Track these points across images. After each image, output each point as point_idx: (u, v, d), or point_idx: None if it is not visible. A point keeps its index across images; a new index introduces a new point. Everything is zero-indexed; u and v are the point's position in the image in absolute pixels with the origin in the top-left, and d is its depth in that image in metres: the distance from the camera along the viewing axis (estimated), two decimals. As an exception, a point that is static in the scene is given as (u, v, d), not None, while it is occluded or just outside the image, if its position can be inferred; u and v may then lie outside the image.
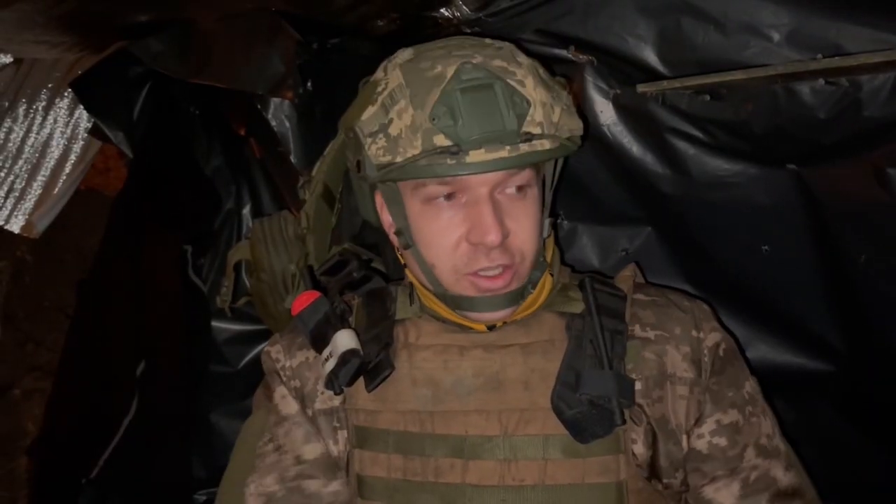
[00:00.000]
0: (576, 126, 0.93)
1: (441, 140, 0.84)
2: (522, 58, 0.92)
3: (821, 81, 1.12)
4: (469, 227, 0.88)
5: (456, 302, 0.94)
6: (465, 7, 1.32)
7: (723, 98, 1.20)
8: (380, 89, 0.91)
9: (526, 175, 0.90)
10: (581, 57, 1.27)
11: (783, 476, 0.94)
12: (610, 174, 1.33)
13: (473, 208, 0.88)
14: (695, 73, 1.19)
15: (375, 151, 0.89)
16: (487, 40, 0.94)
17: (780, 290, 1.27)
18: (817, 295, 1.25)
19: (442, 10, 1.34)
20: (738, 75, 1.13)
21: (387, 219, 0.99)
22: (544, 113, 0.87)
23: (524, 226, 0.91)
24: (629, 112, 1.27)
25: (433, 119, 0.85)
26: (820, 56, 1.09)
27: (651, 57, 1.23)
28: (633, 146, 1.29)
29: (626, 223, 1.36)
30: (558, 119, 0.89)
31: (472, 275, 0.90)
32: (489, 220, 0.86)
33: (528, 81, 0.88)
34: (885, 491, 1.28)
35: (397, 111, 0.87)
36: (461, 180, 0.87)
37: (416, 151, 0.85)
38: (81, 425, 1.94)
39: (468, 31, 1.33)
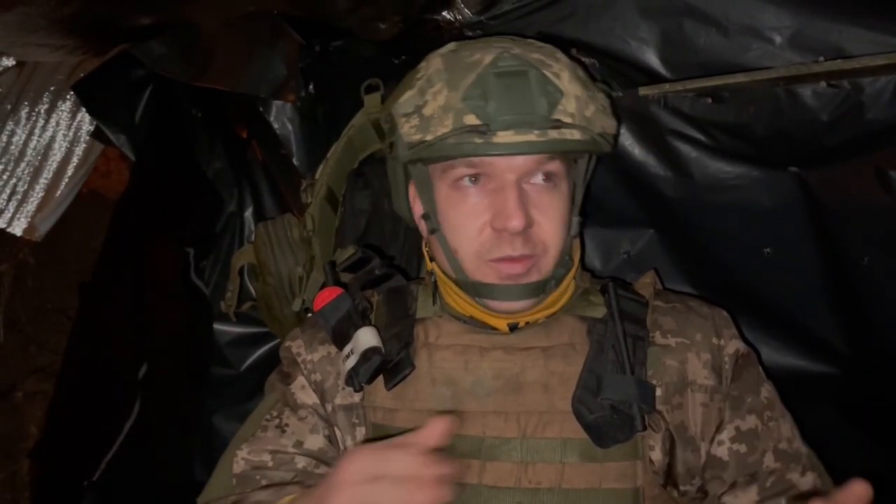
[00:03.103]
0: (609, 125, 0.94)
1: (471, 119, 0.86)
2: (562, 56, 0.93)
3: (823, 84, 1.12)
4: (494, 212, 0.89)
5: (476, 289, 0.93)
6: (466, 10, 1.32)
7: (725, 101, 1.20)
8: (419, 75, 0.93)
9: (555, 166, 0.90)
10: (583, 60, 1.27)
11: (800, 479, 0.92)
12: (612, 176, 1.33)
13: (499, 195, 0.88)
14: (697, 76, 1.19)
15: (408, 130, 0.90)
16: (530, 40, 0.96)
17: (783, 293, 1.27)
18: (820, 297, 1.25)
19: (444, 13, 1.34)
20: (739, 78, 1.13)
21: (418, 208, 1.00)
22: (577, 105, 0.88)
23: (550, 218, 0.91)
24: (631, 115, 1.27)
25: (465, 99, 0.86)
26: (822, 59, 1.09)
27: (653, 59, 1.23)
28: (634, 149, 1.29)
29: (628, 226, 1.36)
30: (591, 114, 0.90)
31: (494, 261, 0.90)
32: (513, 205, 0.87)
33: (563, 75, 0.89)
34: (888, 493, 1.28)
35: (433, 93, 0.89)
36: (488, 164, 0.88)
37: (447, 130, 0.87)
38: (83, 428, 1.94)
39: (470, 34, 1.33)
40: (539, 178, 0.90)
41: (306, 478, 0.94)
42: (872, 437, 1.28)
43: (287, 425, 0.98)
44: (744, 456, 0.93)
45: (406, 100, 0.92)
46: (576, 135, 0.87)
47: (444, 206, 0.93)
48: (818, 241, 1.22)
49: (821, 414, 1.31)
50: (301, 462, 0.95)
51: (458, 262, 0.93)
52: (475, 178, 0.90)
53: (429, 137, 0.88)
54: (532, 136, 0.85)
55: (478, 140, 0.85)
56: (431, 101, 0.89)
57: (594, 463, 0.89)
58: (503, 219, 0.87)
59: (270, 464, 0.95)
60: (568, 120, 0.87)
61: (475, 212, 0.90)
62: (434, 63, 0.93)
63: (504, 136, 0.85)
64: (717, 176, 1.25)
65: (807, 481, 0.93)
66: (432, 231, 0.96)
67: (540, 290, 0.93)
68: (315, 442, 0.97)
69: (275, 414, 0.99)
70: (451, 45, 0.95)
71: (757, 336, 1.29)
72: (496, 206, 0.89)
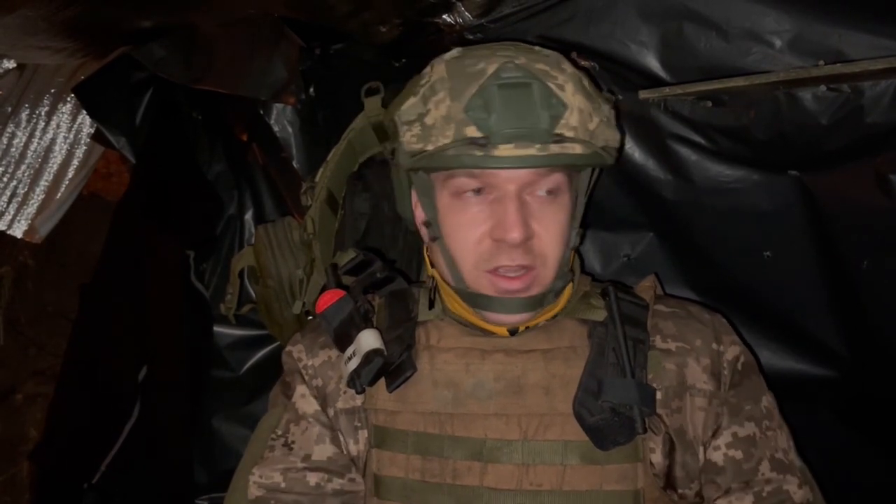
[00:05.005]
0: (612, 137, 0.94)
1: (472, 131, 0.86)
2: (567, 66, 0.92)
3: (823, 88, 1.12)
4: (494, 223, 0.89)
5: (474, 300, 0.94)
6: (467, 13, 1.32)
7: (725, 104, 1.20)
8: (423, 82, 0.93)
9: (556, 179, 0.90)
10: (583, 63, 1.27)
11: (797, 491, 0.92)
12: (612, 180, 1.33)
13: (500, 205, 0.89)
14: (697, 80, 1.19)
15: (409, 139, 0.91)
16: (537, 48, 0.95)
17: (783, 296, 1.27)
18: (819, 300, 1.25)
19: (444, 17, 1.33)
20: (739, 81, 1.13)
21: (420, 214, 1.00)
22: (580, 119, 0.88)
23: (550, 230, 0.91)
24: (631, 118, 1.27)
25: (467, 110, 0.86)
26: (822, 62, 1.09)
27: (653, 63, 1.23)
28: (635, 152, 1.29)
29: (629, 229, 1.37)
30: (595, 128, 0.90)
31: (492, 272, 0.91)
32: (513, 217, 0.87)
33: (567, 87, 0.88)
34: (887, 497, 1.28)
35: (435, 102, 0.89)
36: (490, 176, 0.88)
37: (448, 141, 0.87)
38: (83, 430, 1.94)
39: (470, 37, 1.33)
40: (542, 191, 0.90)
41: (319, 500, 0.95)
42: (872, 439, 1.28)
43: (293, 442, 0.98)
44: (739, 462, 0.93)
45: (409, 107, 0.92)
46: (577, 149, 0.87)
47: (444, 214, 0.94)
48: (818, 245, 1.22)
49: (820, 417, 1.31)
50: (313, 479, 0.96)
51: (458, 271, 0.94)
52: (477, 190, 0.90)
53: (429, 147, 0.88)
54: (533, 150, 0.85)
55: (478, 153, 0.85)
56: (434, 110, 0.89)
57: (595, 465, 0.90)
58: (502, 230, 0.88)
59: (283, 484, 0.95)
60: (570, 134, 0.87)
61: (475, 221, 0.91)
62: (438, 70, 0.92)
63: (505, 150, 0.85)
64: (718, 179, 1.25)
65: (802, 494, 0.93)
66: (433, 239, 0.96)
67: (538, 303, 0.93)
68: (322, 452, 0.97)
69: (280, 433, 0.99)
70: (455, 52, 0.94)
71: (757, 339, 1.29)
72: (496, 216, 0.89)
